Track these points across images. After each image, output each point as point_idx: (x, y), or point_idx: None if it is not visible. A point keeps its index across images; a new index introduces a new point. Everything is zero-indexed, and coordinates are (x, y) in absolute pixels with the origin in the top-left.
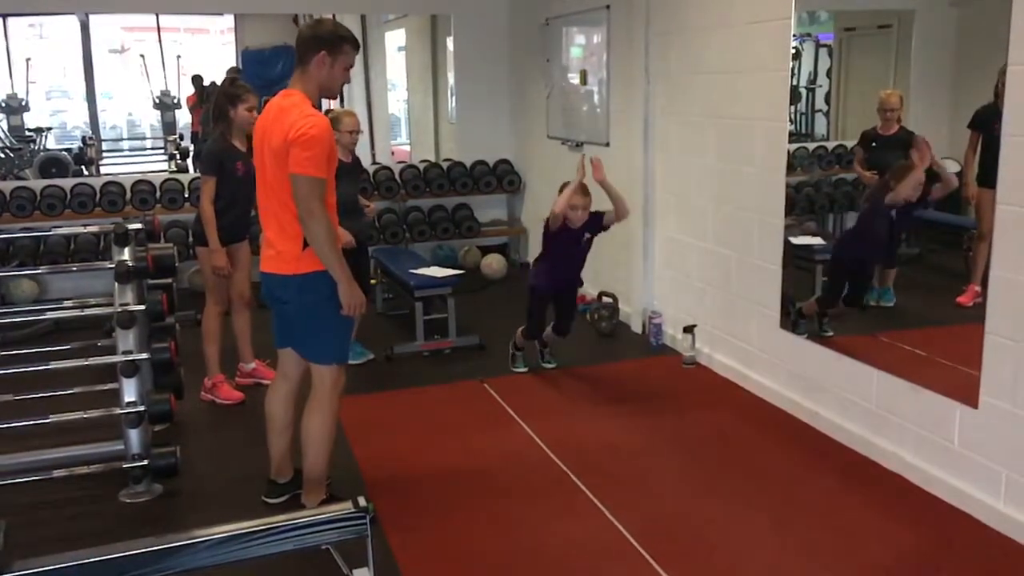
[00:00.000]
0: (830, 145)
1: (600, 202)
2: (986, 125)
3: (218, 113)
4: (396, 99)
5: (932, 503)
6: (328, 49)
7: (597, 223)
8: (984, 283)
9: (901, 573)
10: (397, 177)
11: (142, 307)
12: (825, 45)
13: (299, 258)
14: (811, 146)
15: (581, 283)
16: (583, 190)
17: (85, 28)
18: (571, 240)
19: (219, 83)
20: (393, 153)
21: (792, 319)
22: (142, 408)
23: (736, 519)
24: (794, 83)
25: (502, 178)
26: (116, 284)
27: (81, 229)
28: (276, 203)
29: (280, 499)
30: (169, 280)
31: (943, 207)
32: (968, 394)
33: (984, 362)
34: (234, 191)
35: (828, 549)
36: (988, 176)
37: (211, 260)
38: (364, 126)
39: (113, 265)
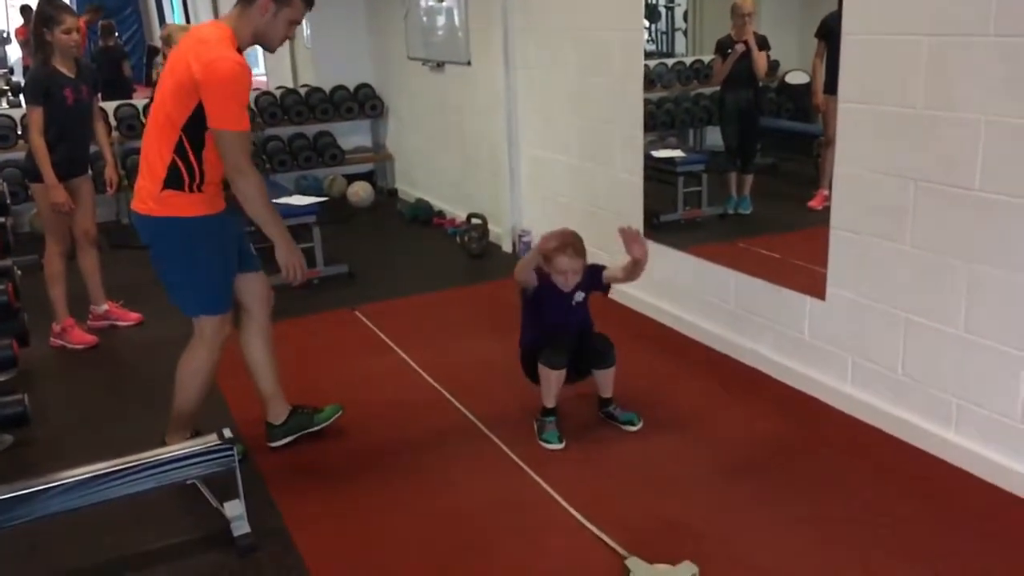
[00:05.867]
0: (688, 60)
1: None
2: (831, 33)
3: (36, 39)
4: None
5: (787, 392)
6: None
7: (594, 281)
8: (832, 187)
9: (762, 459)
10: (252, 105)
11: None
12: None
13: (156, 198)
14: (670, 62)
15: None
16: (575, 251)
17: None
18: (558, 303)
19: None
20: None
21: None
22: None
23: (611, 428)
24: (653, 1)
25: (364, 103)
26: None
27: None
28: (153, 135)
29: (283, 440)
30: (1, 220)
31: (795, 117)
32: (817, 288)
33: (830, 256)
34: (64, 121)
35: (691, 444)
36: (834, 83)
37: (49, 196)
38: None
39: None
